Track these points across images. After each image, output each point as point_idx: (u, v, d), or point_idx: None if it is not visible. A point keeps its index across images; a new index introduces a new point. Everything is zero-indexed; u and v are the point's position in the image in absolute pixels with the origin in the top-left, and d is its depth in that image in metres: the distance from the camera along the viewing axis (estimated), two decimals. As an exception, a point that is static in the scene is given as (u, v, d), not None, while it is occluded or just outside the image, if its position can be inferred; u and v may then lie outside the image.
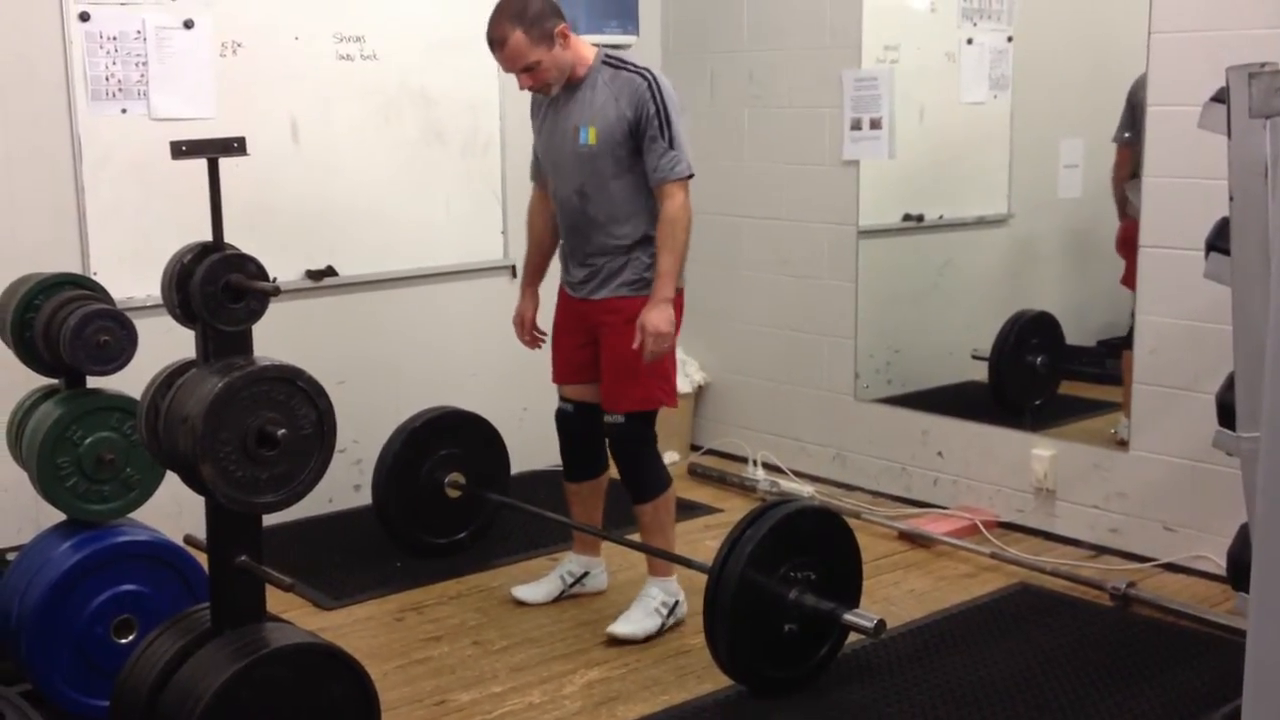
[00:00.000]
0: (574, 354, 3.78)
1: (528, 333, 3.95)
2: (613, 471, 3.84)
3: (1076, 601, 3.88)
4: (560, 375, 3.86)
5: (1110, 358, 4.76)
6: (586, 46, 3.61)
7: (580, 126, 3.57)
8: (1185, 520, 4.08)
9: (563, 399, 3.86)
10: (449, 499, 4.27)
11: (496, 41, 3.49)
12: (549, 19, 3.48)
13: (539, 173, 3.83)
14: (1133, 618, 3.76)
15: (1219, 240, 3.26)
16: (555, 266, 3.89)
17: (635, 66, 3.57)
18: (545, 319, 3.92)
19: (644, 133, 3.49)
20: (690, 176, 3.53)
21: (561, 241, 3.79)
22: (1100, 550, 4.28)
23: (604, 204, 3.58)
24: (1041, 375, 4.96)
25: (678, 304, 3.61)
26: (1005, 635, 3.65)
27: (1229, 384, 3.31)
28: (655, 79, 3.52)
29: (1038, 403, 4.97)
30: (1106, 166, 4.63)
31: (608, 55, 3.61)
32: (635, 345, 3.50)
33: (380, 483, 4.23)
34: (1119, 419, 4.39)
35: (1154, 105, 3.99)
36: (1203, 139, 3.46)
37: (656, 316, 3.49)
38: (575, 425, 3.85)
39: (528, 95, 3.75)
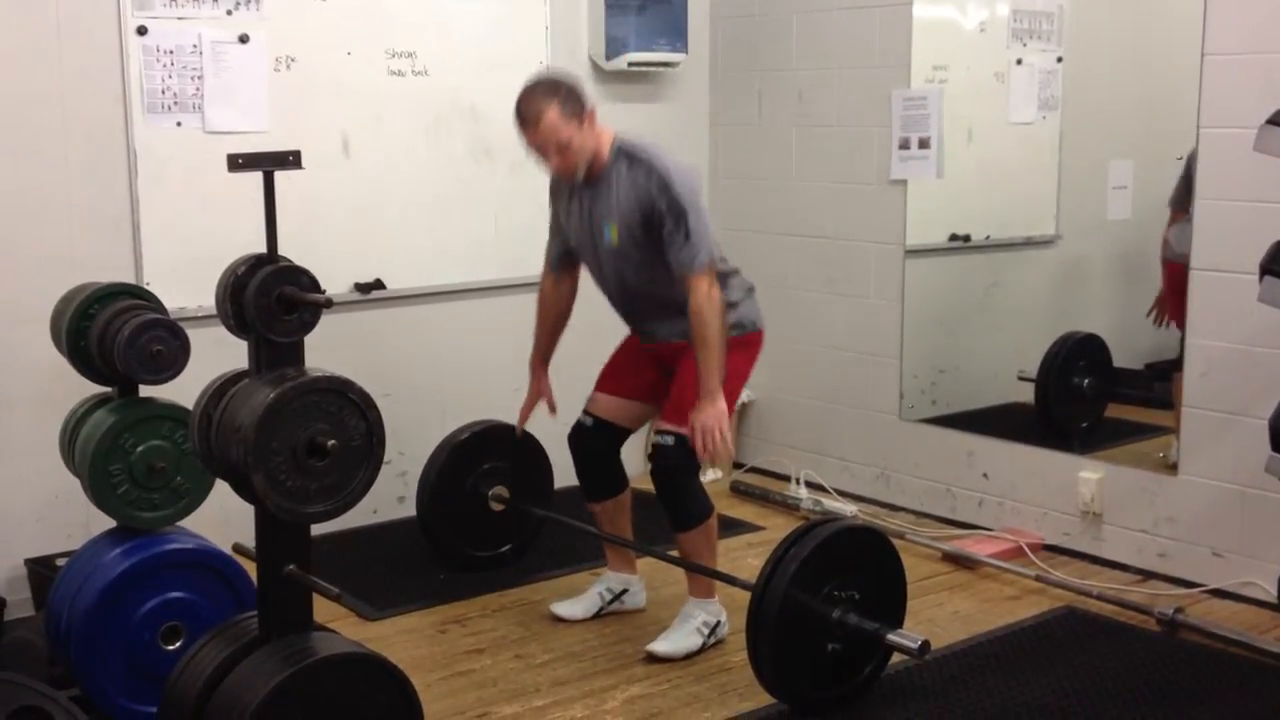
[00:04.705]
0: (636, 371, 3.78)
1: (531, 410, 4.02)
2: (642, 487, 3.84)
3: (1123, 626, 3.84)
4: (605, 383, 3.85)
5: (1158, 380, 4.72)
6: (605, 132, 3.57)
7: (604, 224, 3.57)
8: (1235, 546, 4.03)
9: (585, 412, 3.87)
10: (492, 512, 4.28)
11: (531, 118, 3.43)
12: (579, 98, 3.47)
13: (556, 258, 3.86)
14: (1180, 644, 3.72)
15: (1274, 264, 3.23)
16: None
17: (646, 154, 3.51)
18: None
19: (660, 227, 3.46)
20: (710, 266, 3.47)
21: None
22: (1148, 575, 4.23)
23: (647, 283, 3.59)
24: (1089, 397, 4.93)
25: (753, 344, 3.71)
26: (1050, 659, 3.62)
27: (1282, 409, 3.28)
28: (664, 171, 3.46)
29: (1084, 425, 4.94)
30: (1156, 188, 4.59)
31: (622, 142, 3.56)
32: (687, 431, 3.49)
33: (424, 495, 4.25)
34: (1167, 443, 4.35)
35: (1207, 128, 3.95)
36: (1257, 162, 3.45)
37: (706, 416, 3.46)
38: (591, 441, 3.85)
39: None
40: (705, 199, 3.51)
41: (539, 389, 4.00)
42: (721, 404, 3.49)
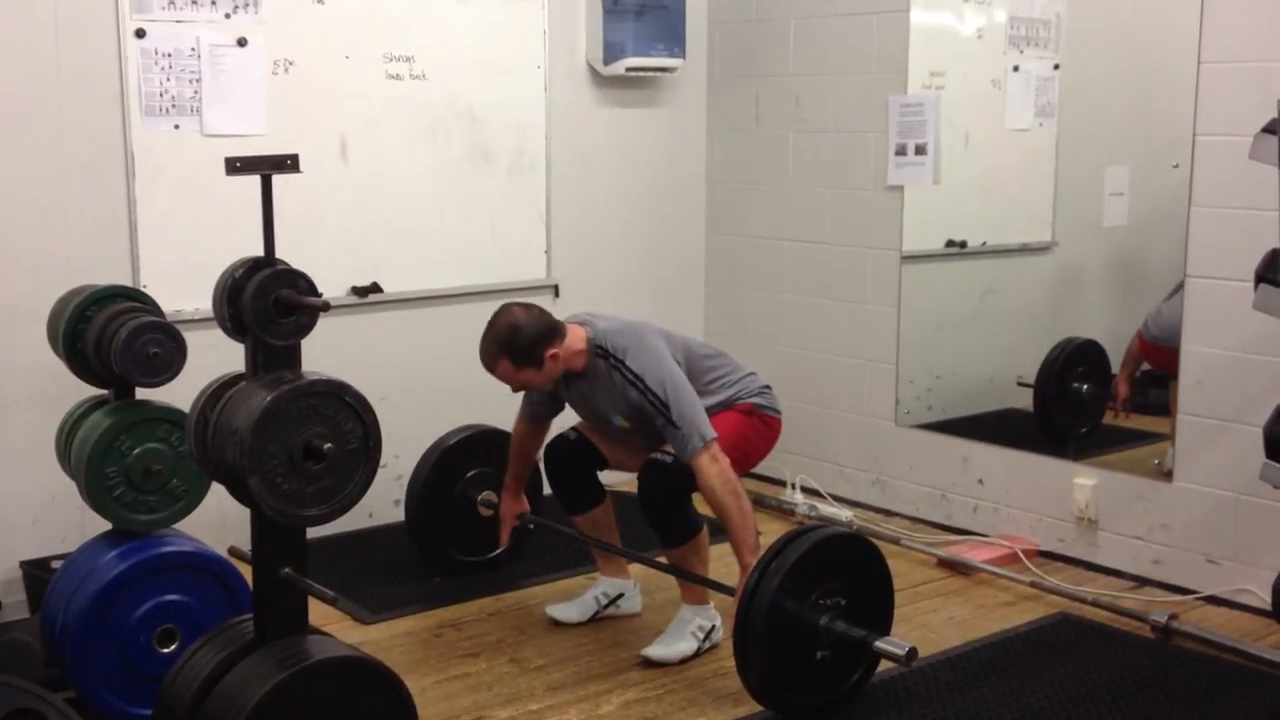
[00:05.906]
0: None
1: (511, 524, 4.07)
2: (629, 491, 3.84)
3: (1117, 633, 3.85)
4: None
5: (1153, 387, 4.73)
6: (578, 337, 3.60)
7: (611, 415, 3.64)
8: (1229, 553, 4.03)
9: (572, 428, 3.88)
10: (480, 518, 4.25)
11: (486, 364, 3.57)
12: (538, 347, 3.51)
13: (531, 415, 3.91)
14: (1174, 650, 3.72)
15: (1269, 272, 3.24)
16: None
17: (616, 352, 3.55)
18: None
19: (654, 418, 3.50)
20: (706, 444, 3.46)
21: None
22: (1142, 581, 4.24)
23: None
24: (1087, 404, 4.93)
25: (774, 425, 3.82)
26: (1044, 665, 3.62)
27: (1278, 416, 3.29)
28: (635, 374, 3.50)
29: (1083, 431, 4.94)
30: (1153, 195, 4.61)
31: (595, 341, 3.59)
32: None
33: (412, 500, 4.24)
34: (1162, 449, 4.36)
35: (1203, 135, 3.96)
36: (1252, 170, 3.45)
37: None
38: (571, 454, 3.85)
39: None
40: (668, 358, 3.57)
41: (518, 508, 4.07)
42: None
